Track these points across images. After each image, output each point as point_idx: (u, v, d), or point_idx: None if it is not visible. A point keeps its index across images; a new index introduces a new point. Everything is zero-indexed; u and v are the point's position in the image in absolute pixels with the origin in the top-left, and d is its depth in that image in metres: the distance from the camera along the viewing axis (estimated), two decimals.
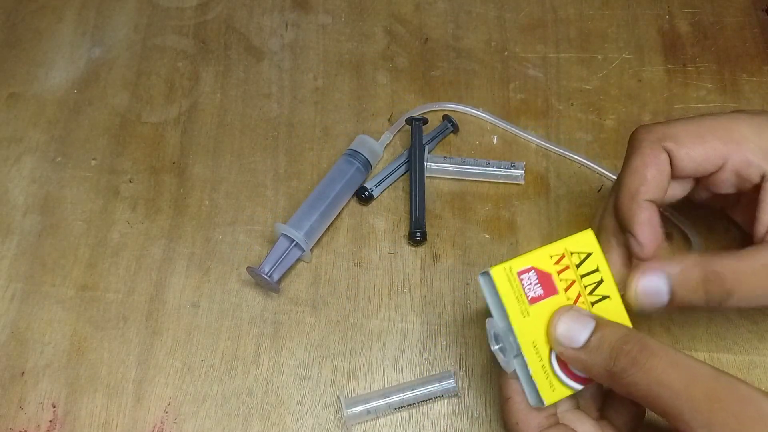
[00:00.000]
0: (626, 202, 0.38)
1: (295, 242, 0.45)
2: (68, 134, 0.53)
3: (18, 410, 0.44)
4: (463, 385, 0.44)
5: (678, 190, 0.41)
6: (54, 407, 0.44)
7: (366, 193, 0.49)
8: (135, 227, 0.49)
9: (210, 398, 0.44)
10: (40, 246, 0.49)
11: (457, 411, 0.43)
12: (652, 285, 0.36)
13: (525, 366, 0.36)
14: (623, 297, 0.38)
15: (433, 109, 0.52)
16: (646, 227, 0.37)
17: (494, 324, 0.37)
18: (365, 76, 0.55)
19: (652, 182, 0.38)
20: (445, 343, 0.45)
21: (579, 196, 0.50)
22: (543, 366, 0.36)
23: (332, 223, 0.49)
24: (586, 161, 0.50)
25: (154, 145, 0.52)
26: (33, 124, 0.53)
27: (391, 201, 0.50)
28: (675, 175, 0.39)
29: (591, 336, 0.34)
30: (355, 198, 0.49)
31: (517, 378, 0.37)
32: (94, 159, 0.52)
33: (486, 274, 0.37)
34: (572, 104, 0.53)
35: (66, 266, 0.48)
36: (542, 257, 0.37)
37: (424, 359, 0.45)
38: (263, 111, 0.53)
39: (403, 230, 0.49)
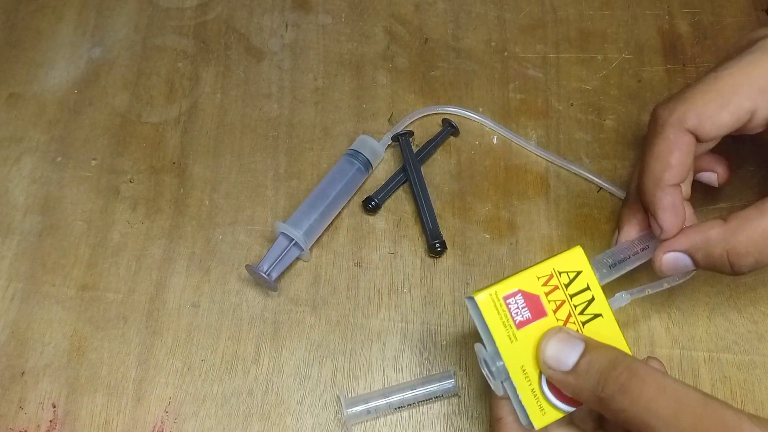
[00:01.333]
0: (650, 188, 0.39)
1: (294, 241, 0.45)
2: (68, 134, 0.53)
3: (18, 410, 0.44)
4: (463, 385, 0.44)
5: (705, 148, 0.41)
6: (54, 407, 0.44)
7: (373, 203, 0.48)
8: (135, 227, 0.49)
9: (210, 398, 0.44)
10: (41, 246, 0.49)
11: (457, 411, 0.43)
12: (676, 261, 0.39)
13: (515, 390, 0.36)
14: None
15: (432, 113, 0.52)
16: (669, 213, 0.38)
17: (482, 349, 0.37)
18: (365, 76, 0.55)
19: (677, 167, 0.38)
20: (445, 343, 0.45)
21: (579, 196, 0.50)
22: (533, 390, 0.35)
23: (332, 223, 0.49)
24: (579, 170, 0.50)
25: (155, 145, 0.52)
26: (33, 124, 0.53)
27: (390, 201, 0.50)
28: (702, 140, 0.38)
29: (580, 359, 0.34)
30: (361, 207, 0.49)
31: (509, 398, 0.37)
32: (94, 159, 0.52)
33: (472, 298, 0.36)
34: (572, 104, 0.53)
35: (66, 266, 0.48)
36: (529, 279, 0.36)
37: (424, 359, 0.45)
38: (263, 111, 0.53)
39: (403, 230, 0.49)
